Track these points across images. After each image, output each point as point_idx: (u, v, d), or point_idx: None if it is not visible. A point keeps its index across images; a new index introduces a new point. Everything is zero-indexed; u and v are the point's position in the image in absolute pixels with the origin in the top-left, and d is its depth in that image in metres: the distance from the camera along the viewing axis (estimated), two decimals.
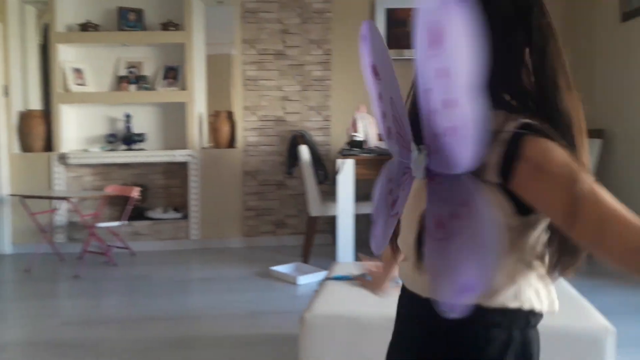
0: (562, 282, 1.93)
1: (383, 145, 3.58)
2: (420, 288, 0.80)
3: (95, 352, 2.37)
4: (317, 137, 4.39)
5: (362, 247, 3.96)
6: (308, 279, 3.27)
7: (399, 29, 4.53)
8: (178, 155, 4.34)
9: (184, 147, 4.39)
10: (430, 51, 0.67)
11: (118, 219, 4.25)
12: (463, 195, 0.68)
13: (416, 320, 0.83)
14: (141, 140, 4.38)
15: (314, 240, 3.82)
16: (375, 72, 0.80)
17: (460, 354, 0.78)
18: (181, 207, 4.49)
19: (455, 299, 0.67)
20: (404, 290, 0.86)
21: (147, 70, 4.50)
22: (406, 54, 4.53)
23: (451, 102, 0.64)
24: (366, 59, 0.79)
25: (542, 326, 0.78)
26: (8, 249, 4.32)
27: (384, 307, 1.65)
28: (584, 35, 4.13)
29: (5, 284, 3.65)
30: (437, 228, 0.71)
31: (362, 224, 3.46)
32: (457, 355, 0.78)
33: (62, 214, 4.31)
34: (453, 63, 0.63)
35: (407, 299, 0.85)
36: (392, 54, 4.43)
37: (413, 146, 0.74)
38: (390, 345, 0.91)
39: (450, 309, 0.67)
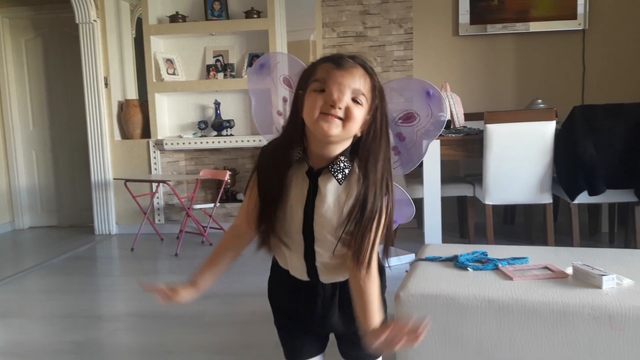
0: None
1: (470, 124, 3.52)
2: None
3: (198, 324, 2.52)
4: None
5: (449, 231, 3.96)
6: (396, 261, 3.28)
7: (484, 3, 4.40)
8: (265, 141, 4.46)
9: (270, 133, 4.51)
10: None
11: (211, 201, 4.49)
12: None
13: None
14: (230, 127, 4.56)
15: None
16: (289, 84, 1.40)
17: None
18: None
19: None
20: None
21: (233, 59, 4.67)
22: (489, 29, 4.40)
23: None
24: (279, 73, 1.19)
25: None
26: (113, 229, 4.70)
27: (481, 288, 1.67)
28: None
29: (113, 261, 3.98)
30: None
31: (448, 206, 3.42)
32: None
33: (160, 196, 4.62)
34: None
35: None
36: (475, 29, 4.34)
37: None
38: None
39: None
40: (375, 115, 1.03)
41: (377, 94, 1.03)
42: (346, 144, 1.04)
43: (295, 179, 1.05)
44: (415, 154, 1.23)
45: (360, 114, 1.00)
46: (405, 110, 1.17)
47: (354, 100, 0.99)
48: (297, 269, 1.13)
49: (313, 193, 1.04)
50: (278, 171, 1.04)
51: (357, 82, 0.99)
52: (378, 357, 1.20)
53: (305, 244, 1.08)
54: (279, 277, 1.19)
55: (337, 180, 1.03)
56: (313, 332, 1.21)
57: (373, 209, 1.01)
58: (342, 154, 1.03)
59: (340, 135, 1.00)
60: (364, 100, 1.00)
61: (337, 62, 0.99)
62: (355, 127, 1.01)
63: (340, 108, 0.98)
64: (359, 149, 1.04)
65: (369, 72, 1.02)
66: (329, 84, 0.98)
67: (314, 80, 1.00)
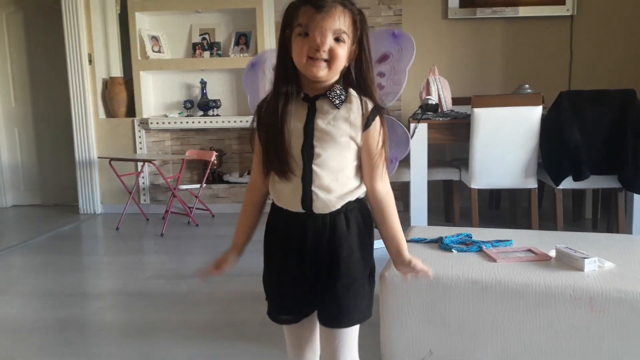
0: None
1: (458, 109, 3.53)
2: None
3: (182, 303, 2.53)
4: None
5: (435, 214, 3.98)
6: (382, 243, 3.29)
7: None
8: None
9: None
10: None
11: (197, 182, 4.46)
12: None
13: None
14: (217, 106, 4.52)
15: None
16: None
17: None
18: None
19: None
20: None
21: (219, 37, 4.60)
22: (478, 13, 4.39)
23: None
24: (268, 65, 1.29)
25: None
26: (98, 208, 4.65)
27: (465, 269, 1.69)
28: None
29: (98, 240, 3.95)
30: None
31: (434, 190, 3.43)
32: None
33: (145, 176, 4.58)
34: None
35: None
36: (464, 12, 4.33)
37: None
38: None
39: None
40: (361, 45, 1.11)
41: (359, 25, 1.10)
42: (336, 76, 1.12)
43: (295, 108, 1.11)
44: (396, 83, 1.37)
45: (344, 52, 1.08)
46: (380, 53, 1.30)
47: (337, 39, 1.06)
48: (292, 200, 1.14)
49: (312, 114, 1.11)
50: (276, 107, 1.10)
51: (337, 22, 1.05)
52: (355, 323, 1.22)
53: (304, 166, 1.12)
54: (275, 217, 1.21)
55: (335, 105, 1.11)
56: (298, 284, 1.19)
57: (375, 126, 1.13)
58: (336, 82, 1.12)
59: (327, 75, 1.08)
60: (346, 38, 1.07)
61: (316, 4, 1.05)
62: (341, 64, 1.09)
63: (324, 51, 1.05)
64: (353, 80, 1.14)
65: (348, 8, 1.08)
66: (311, 28, 1.04)
67: (297, 24, 1.06)
